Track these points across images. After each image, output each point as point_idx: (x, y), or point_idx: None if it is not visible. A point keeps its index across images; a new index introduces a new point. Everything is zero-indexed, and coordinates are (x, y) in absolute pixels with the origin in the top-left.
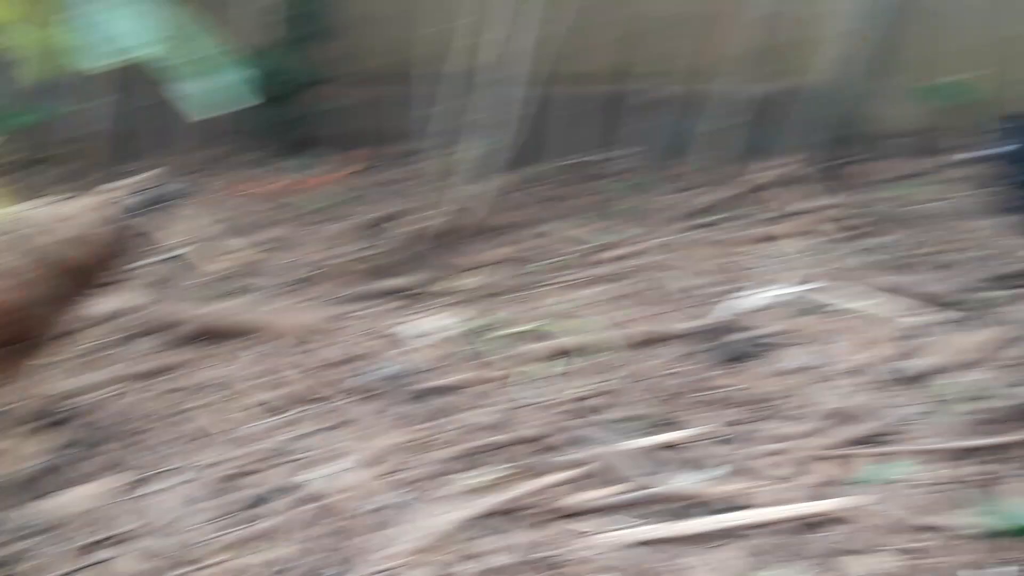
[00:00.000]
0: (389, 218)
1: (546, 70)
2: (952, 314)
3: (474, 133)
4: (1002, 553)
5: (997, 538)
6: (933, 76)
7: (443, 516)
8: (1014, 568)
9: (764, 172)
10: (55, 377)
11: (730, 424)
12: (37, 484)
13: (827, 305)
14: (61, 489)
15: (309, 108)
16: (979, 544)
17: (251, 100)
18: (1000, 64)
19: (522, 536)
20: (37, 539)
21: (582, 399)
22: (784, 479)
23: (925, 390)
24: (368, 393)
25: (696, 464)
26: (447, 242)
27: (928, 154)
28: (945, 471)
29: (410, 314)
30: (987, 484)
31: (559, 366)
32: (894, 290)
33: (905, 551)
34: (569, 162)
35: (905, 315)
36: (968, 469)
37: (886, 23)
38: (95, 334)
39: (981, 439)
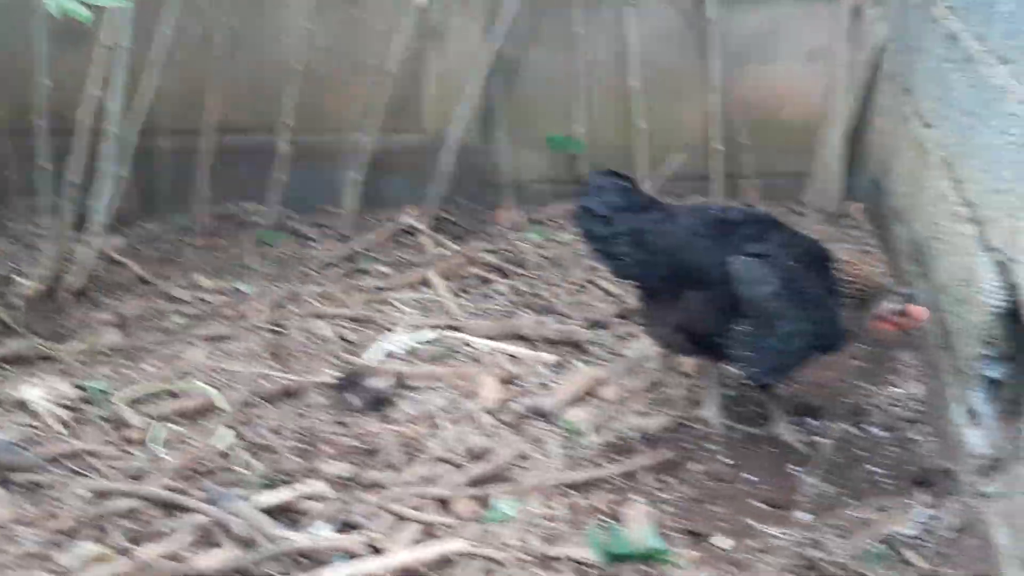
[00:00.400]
0: (4, 280)
1: (167, 123)
2: (574, 354)
3: (88, 187)
4: None
5: (617, 563)
6: (553, 126)
7: None
8: None
9: (404, 220)
10: None
11: (364, 472)
12: None
13: (464, 347)
14: None
15: None
16: (604, 572)
17: None
18: (596, 116)
19: None
20: None
21: (214, 457)
22: (415, 521)
23: (552, 426)
24: None
25: (328, 517)
26: (64, 303)
27: (558, 200)
28: (573, 502)
29: (25, 380)
30: (613, 513)
31: (191, 424)
32: (525, 332)
33: None
34: (205, 213)
35: (534, 355)
36: (595, 499)
37: (505, 77)
38: None
39: (605, 469)
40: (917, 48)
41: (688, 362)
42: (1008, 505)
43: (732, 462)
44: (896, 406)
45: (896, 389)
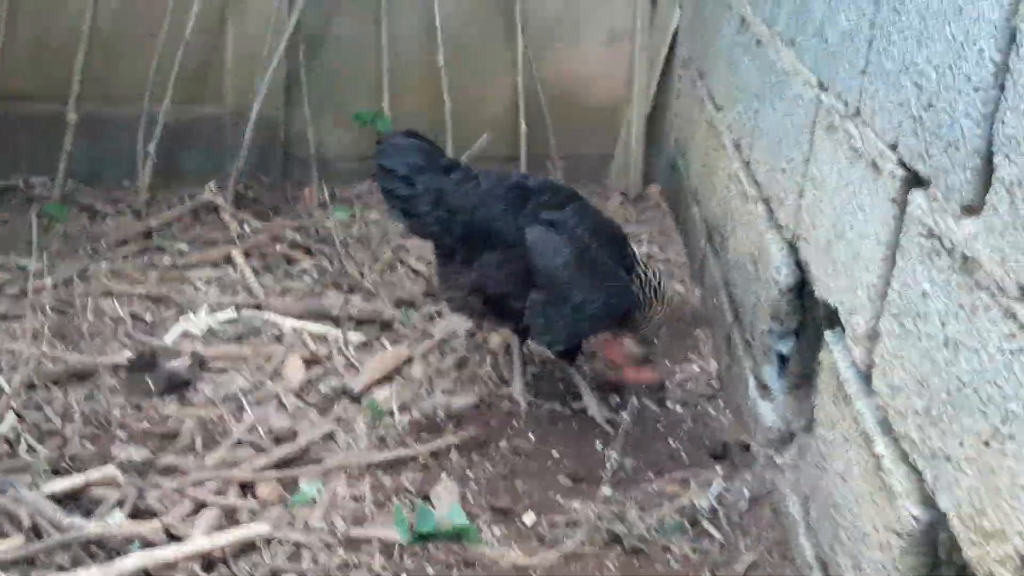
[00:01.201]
0: None
1: None
2: (381, 333)
3: None
4: (427, 558)
5: (424, 542)
6: (358, 102)
7: None
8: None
9: (204, 197)
10: None
11: (161, 457)
12: None
13: (268, 327)
14: None
15: None
16: (411, 550)
17: None
18: (402, 92)
19: None
20: None
21: None
22: (216, 506)
23: (359, 406)
24: None
25: (122, 504)
26: None
27: (365, 178)
28: (380, 482)
29: None
30: (420, 492)
31: None
32: (331, 311)
33: (340, 566)
34: None
35: (339, 335)
36: (402, 479)
37: (308, 49)
38: None
39: (412, 449)
40: (711, 32)
41: (494, 340)
42: (798, 476)
43: (538, 439)
44: (694, 382)
45: (693, 366)
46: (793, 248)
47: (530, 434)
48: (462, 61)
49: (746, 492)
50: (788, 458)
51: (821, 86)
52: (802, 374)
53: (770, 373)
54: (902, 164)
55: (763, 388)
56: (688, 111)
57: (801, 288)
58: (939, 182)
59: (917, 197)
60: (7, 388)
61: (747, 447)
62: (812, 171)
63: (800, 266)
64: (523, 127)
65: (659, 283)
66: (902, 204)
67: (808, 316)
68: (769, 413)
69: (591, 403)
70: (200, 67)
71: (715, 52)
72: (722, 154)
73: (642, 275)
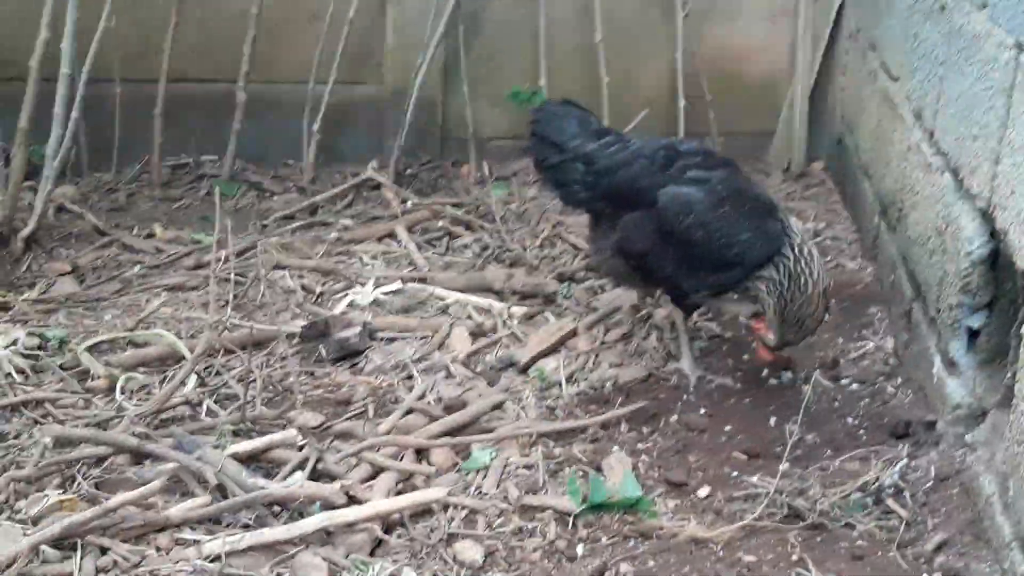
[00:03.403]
0: None
1: (120, 71)
2: (544, 306)
3: (40, 134)
4: (600, 528)
5: (597, 512)
6: (515, 82)
7: (35, 535)
8: None
9: (369, 173)
10: None
11: (336, 422)
12: None
13: (433, 300)
14: None
15: None
16: (585, 519)
17: None
18: (558, 72)
19: (122, 550)
20: None
21: (182, 404)
22: (393, 470)
23: (526, 377)
24: None
25: (303, 466)
26: (17, 252)
27: (522, 156)
28: (551, 452)
29: None
30: (591, 462)
31: (160, 373)
32: (495, 285)
33: (514, 532)
34: (160, 164)
35: (504, 308)
36: (573, 449)
37: (465, 29)
38: None
39: (582, 420)
40: (884, 2)
41: (659, 315)
42: (993, 453)
43: (709, 413)
44: (869, 359)
45: (869, 344)
46: (987, 217)
47: (701, 409)
48: (619, 38)
49: (932, 471)
50: (980, 435)
51: (1019, 46)
52: (995, 349)
53: (959, 349)
54: None
55: (950, 365)
56: (856, 85)
57: (994, 260)
58: None
59: None
60: (187, 354)
61: (932, 425)
62: (1010, 136)
63: (994, 236)
64: (682, 103)
65: (811, 260)
66: None
67: (1001, 288)
68: (958, 390)
69: (687, 360)
70: (361, 49)
71: (889, 22)
72: (899, 126)
73: (795, 248)
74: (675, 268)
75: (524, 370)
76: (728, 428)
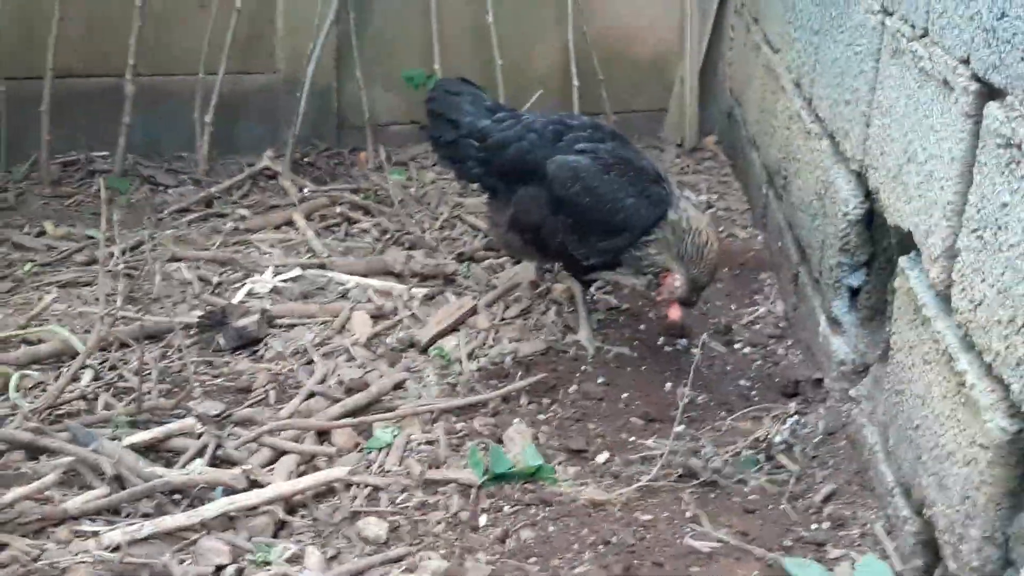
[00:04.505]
0: None
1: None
2: (445, 286)
3: None
4: (502, 497)
5: (500, 483)
6: (409, 65)
7: None
8: None
9: (265, 163)
10: None
11: (237, 409)
12: None
13: (333, 285)
14: None
15: None
16: (487, 490)
17: None
18: (452, 54)
19: (21, 544)
20: None
21: (77, 399)
22: (294, 453)
23: (427, 356)
24: None
25: (202, 454)
26: None
27: (419, 141)
28: (453, 427)
29: None
30: (493, 435)
31: (55, 370)
32: (394, 267)
33: (417, 507)
34: (49, 161)
35: (403, 289)
36: (474, 423)
37: (357, 13)
38: None
39: (482, 395)
40: None
41: (557, 289)
42: (875, 405)
43: (607, 382)
44: (761, 324)
45: (760, 308)
46: (861, 179)
47: (599, 378)
48: (511, 19)
49: (821, 425)
50: (863, 389)
51: (885, 11)
52: (874, 306)
53: (841, 307)
54: (975, 78)
55: (834, 323)
56: (743, 58)
57: (870, 220)
58: (1016, 90)
59: (993, 109)
60: (81, 349)
61: (819, 382)
62: (879, 99)
63: (869, 197)
64: (575, 83)
65: (698, 215)
66: (977, 118)
67: (877, 247)
68: (842, 347)
69: (585, 331)
70: (252, 37)
71: None
72: (781, 96)
73: (679, 210)
74: (566, 236)
75: (425, 349)
76: (625, 395)
